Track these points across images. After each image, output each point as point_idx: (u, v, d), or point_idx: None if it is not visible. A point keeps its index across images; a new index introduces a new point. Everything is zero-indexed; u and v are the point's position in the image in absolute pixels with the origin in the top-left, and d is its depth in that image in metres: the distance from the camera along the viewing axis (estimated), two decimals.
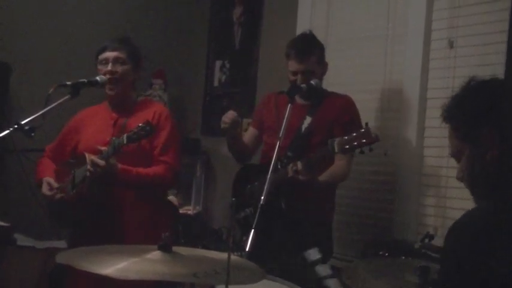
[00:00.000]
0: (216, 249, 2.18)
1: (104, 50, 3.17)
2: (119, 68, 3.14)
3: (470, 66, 3.30)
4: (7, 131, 2.71)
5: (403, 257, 2.97)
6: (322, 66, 3.36)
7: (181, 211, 4.81)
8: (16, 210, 3.98)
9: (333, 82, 3.63)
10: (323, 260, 3.31)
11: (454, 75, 3.39)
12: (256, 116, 3.69)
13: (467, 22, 3.37)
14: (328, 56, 3.43)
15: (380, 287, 2.06)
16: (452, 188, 3.32)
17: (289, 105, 2.94)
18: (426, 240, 3.14)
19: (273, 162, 2.72)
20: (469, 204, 1.85)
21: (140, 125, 2.87)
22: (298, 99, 3.32)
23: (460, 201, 3.21)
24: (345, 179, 3.36)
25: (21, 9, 4.48)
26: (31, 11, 4.53)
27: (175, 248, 1.97)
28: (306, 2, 4.30)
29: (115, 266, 1.80)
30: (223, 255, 1.87)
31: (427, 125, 3.51)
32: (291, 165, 2.99)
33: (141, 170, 3.06)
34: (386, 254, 3.16)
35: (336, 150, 2.83)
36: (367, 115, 3.59)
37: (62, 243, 3.61)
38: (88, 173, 2.94)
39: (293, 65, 3.30)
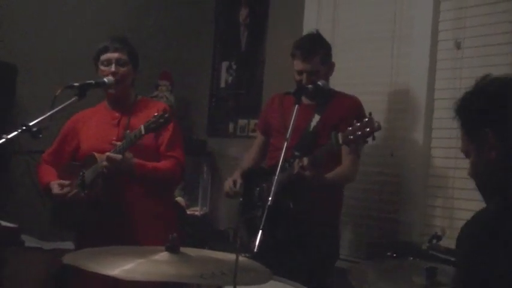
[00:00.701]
0: (222, 250, 2.18)
1: (105, 50, 3.18)
2: (121, 69, 3.17)
3: (478, 67, 3.29)
4: (15, 133, 2.71)
5: (411, 258, 2.98)
6: (328, 66, 3.35)
7: (188, 212, 4.83)
8: (23, 211, 3.99)
9: (339, 83, 3.62)
10: (329, 262, 3.34)
11: (461, 76, 3.39)
12: (262, 120, 3.70)
13: (474, 23, 3.37)
14: (335, 58, 3.43)
15: None
16: (459, 189, 3.31)
17: (296, 106, 2.93)
18: (434, 241, 3.13)
19: (280, 163, 2.71)
20: (477, 205, 1.85)
21: (157, 114, 2.89)
22: (304, 99, 3.32)
23: (467, 202, 3.21)
24: (352, 180, 3.35)
25: (27, 11, 4.49)
26: (37, 13, 4.54)
27: (182, 249, 1.98)
28: (312, 3, 4.29)
29: (122, 267, 1.81)
30: (230, 256, 1.90)
31: (434, 126, 3.50)
32: (297, 161, 2.98)
33: (154, 164, 3.11)
34: (394, 255, 3.16)
35: (340, 141, 2.83)
36: (374, 116, 3.57)
37: (68, 244, 3.62)
38: (105, 169, 2.94)
39: (298, 65, 3.30)
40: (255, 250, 2.40)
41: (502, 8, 3.25)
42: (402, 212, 3.61)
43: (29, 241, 3.55)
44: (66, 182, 3.14)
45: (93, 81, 3.08)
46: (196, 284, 2.06)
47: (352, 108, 3.31)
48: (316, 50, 3.30)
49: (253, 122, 4.68)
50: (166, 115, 2.87)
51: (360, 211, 3.84)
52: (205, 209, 4.97)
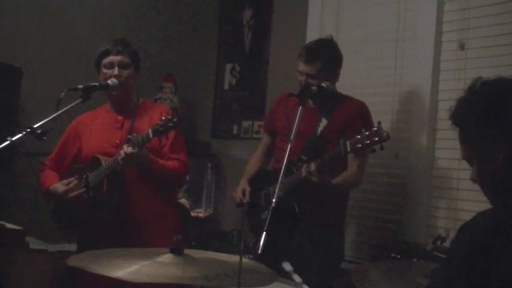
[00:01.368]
0: (227, 252, 2.21)
1: (107, 53, 3.18)
2: (124, 72, 3.17)
3: (482, 68, 3.30)
4: (20, 135, 2.72)
5: (415, 260, 2.98)
6: (329, 74, 3.28)
7: (192, 214, 4.83)
8: (28, 213, 4.00)
9: (344, 85, 3.62)
10: (335, 264, 3.34)
11: (465, 77, 3.38)
12: (268, 121, 3.70)
13: (478, 24, 3.38)
14: (340, 66, 3.42)
15: None
16: (463, 190, 3.32)
17: (300, 107, 2.93)
18: (438, 243, 3.14)
19: (284, 165, 2.71)
20: (481, 206, 1.84)
21: (165, 117, 2.88)
22: (310, 102, 3.32)
23: (471, 203, 3.20)
24: (358, 185, 3.35)
25: (31, 15, 4.51)
26: (41, 17, 4.56)
27: (186, 251, 1.99)
28: (316, 5, 4.30)
29: (126, 269, 1.83)
30: (234, 258, 1.92)
31: (438, 127, 3.51)
32: (304, 165, 2.98)
33: (164, 161, 3.14)
34: (398, 257, 3.16)
35: (349, 149, 2.83)
36: (378, 117, 3.55)
37: (73, 246, 3.62)
38: (122, 162, 2.94)
39: (300, 65, 3.31)
40: (259, 252, 2.41)
41: (505, 9, 3.25)
42: (406, 213, 3.61)
43: (34, 243, 3.54)
44: (72, 179, 3.14)
45: (97, 84, 3.08)
46: (201, 285, 2.06)
47: (358, 113, 3.31)
48: (319, 54, 3.28)
49: (257, 123, 4.68)
50: (175, 119, 2.88)
51: (364, 212, 3.85)
52: (209, 210, 4.98)
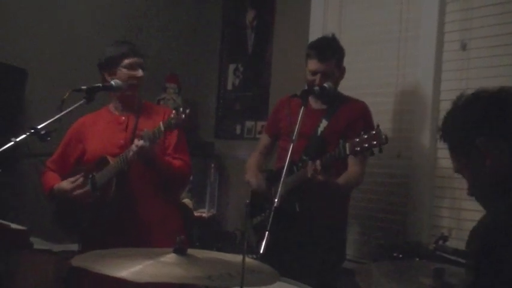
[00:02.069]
0: (230, 251, 2.20)
1: (129, 55, 3.18)
2: (141, 74, 3.19)
3: (483, 68, 3.33)
4: (24, 136, 2.72)
5: (418, 259, 2.99)
6: (341, 70, 3.35)
7: (195, 214, 4.84)
8: (32, 213, 4.01)
9: (346, 85, 3.63)
10: (337, 264, 3.35)
11: (467, 77, 3.41)
12: (270, 123, 3.70)
13: (479, 24, 3.39)
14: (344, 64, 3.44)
15: None
16: (466, 190, 3.30)
17: (302, 108, 2.94)
18: (440, 242, 3.14)
19: (286, 165, 2.72)
20: None
21: (176, 110, 2.89)
22: (314, 104, 3.34)
23: (474, 202, 3.08)
24: (358, 185, 3.37)
25: (36, 18, 4.53)
26: (46, 19, 4.57)
27: (190, 251, 1.99)
28: (319, 6, 4.31)
29: (130, 269, 1.82)
30: (238, 258, 1.90)
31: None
32: (310, 164, 2.99)
33: (170, 159, 3.17)
34: (401, 256, 3.16)
35: (348, 152, 2.85)
36: (381, 117, 3.60)
37: (77, 246, 3.63)
38: (133, 156, 2.96)
39: (314, 65, 3.29)
40: (261, 251, 2.42)
41: (507, 9, 3.27)
42: (409, 213, 3.62)
43: (38, 243, 3.55)
44: (78, 177, 3.14)
45: (100, 85, 3.09)
46: (204, 285, 2.07)
47: (359, 114, 3.32)
48: (333, 52, 3.31)
49: (260, 123, 4.69)
50: (187, 111, 2.88)
51: (367, 212, 3.86)
52: (213, 210, 4.99)
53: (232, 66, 5.17)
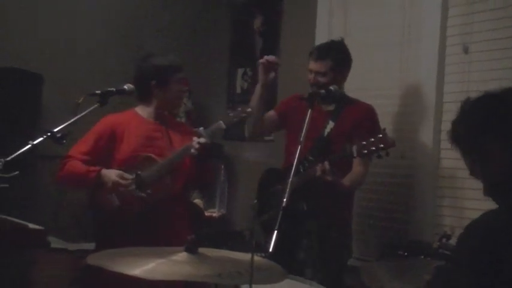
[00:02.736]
0: (240, 250, 2.22)
1: (180, 69, 3.30)
2: (186, 89, 3.39)
3: (485, 71, 3.36)
4: (40, 139, 2.80)
5: (422, 257, 3.03)
6: (339, 73, 3.40)
7: (206, 214, 4.88)
8: (48, 214, 4.10)
9: (351, 88, 3.69)
10: (343, 261, 3.41)
11: (469, 80, 3.43)
12: (281, 107, 3.74)
13: (481, 28, 3.40)
14: (349, 67, 3.49)
15: (399, 287, 2.13)
16: (469, 189, 3.34)
17: (309, 110, 3.00)
18: (444, 240, 3.17)
19: (294, 166, 2.79)
20: (486, 204, 1.93)
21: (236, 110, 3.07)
22: (321, 106, 3.39)
23: (477, 201, 3.20)
24: (362, 185, 3.44)
25: (51, 24, 4.60)
26: (61, 25, 4.64)
27: (200, 250, 2.02)
28: (324, 11, 4.36)
29: (143, 267, 1.87)
30: (247, 256, 1.91)
31: (443, 128, 3.53)
32: (319, 165, 3.05)
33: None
34: (405, 254, 3.20)
35: (355, 154, 2.91)
36: (385, 119, 3.65)
37: (92, 245, 3.68)
38: (196, 152, 3.04)
39: (311, 64, 3.38)
40: (270, 250, 2.48)
41: (509, 13, 3.28)
42: (413, 212, 3.65)
43: (55, 242, 3.59)
44: (128, 175, 3.14)
45: (114, 89, 3.14)
46: (215, 283, 2.11)
47: (365, 115, 3.38)
48: (329, 54, 3.36)
49: None
50: (248, 109, 3.04)
51: (371, 211, 3.89)
52: (222, 210, 5.03)
53: (240, 71, 5.21)
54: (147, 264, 1.89)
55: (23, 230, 2.87)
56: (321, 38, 4.16)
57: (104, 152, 3.26)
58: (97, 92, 3.09)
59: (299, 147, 2.80)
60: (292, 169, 2.76)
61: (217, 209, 5.04)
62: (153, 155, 3.14)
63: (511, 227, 1.74)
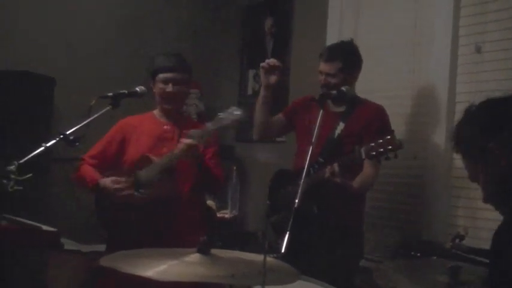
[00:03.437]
0: (253, 251, 2.22)
1: (163, 69, 3.34)
2: (170, 89, 3.33)
3: (498, 70, 3.35)
4: (53, 141, 2.81)
5: (435, 258, 3.02)
6: (349, 74, 3.39)
7: (218, 215, 4.90)
8: (62, 215, 4.12)
9: (363, 89, 3.69)
10: (354, 262, 3.41)
11: (482, 79, 3.43)
12: (290, 108, 3.75)
13: (494, 28, 3.40)
14: (360, 68, 3.49)
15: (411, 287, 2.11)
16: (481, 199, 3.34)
17: (321, 111, 3.01)
18: (457, 241, 3.17)
19: (306, 167, 2.79)
20: None
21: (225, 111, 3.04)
22: (331, 106, 3.39)
23: None
24: (372, 186, 3.43)
25: (62, 27, 4.63)
26: (72, 28, 4.67)
27: (213, 251, 2.03)
28: (335, 12, 4.37)
29: (156, 269, 1.87)
30: (259, 257, 1.92)
31: None
32: (328, 167, 3.05)
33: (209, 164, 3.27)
34: (418, 255, 3.20)
35: (363, 156, 2.91)
36: (397, 120, 3.65)
37: (104, 247, 3.70)
38: (182, 153, 3.04)
39: (321, 65, 3.39)
40: (283, 251, 2.48)
41: None
42: (426, 212, 3.65)
43: (68, 244, 3.59)
44: (121, 179, 3.20)
45: (126, 91, 3.17)
46: (228, 284, 2.10)
47: (376, 116, 3.37)
48: (338, 55, 3.37)
49: None
50: (240, 111, 3.01)
51: (385, 212, 3.89)
52: (235, 211, 5.04)
53: (252, 72, 5.23)
54: (159, 265, 1.90)
55: (37, 231, 2.87)
56: (332, 39, 4.15)
57: (113, 155, 3.36)
58: (109, 94, 3.12)
59: (310, 148, 2.80)
60: (303, 171, 2.77)
61: (229, 210, 5.05)
62: (150, 155, 3.17)
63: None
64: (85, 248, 3.81)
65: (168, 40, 5.01)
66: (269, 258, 2.01)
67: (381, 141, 2.85)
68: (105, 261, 1.98)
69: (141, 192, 3.16)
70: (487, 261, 1.94)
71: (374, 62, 3.97)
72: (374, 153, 2.87)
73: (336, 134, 3.34)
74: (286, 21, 4.93)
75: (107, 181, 3.22)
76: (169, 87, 3.29)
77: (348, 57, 3.39)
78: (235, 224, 5.00)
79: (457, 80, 3.58)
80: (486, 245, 1.87)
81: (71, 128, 2.89)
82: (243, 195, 5.10)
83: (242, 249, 3.88)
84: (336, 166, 3.02)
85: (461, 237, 3.17)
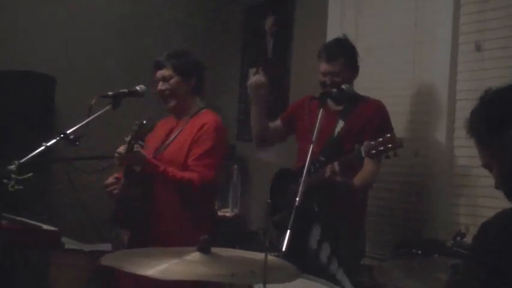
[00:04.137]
0: (255, 250, 2.22)
1: (154, 70, 3.34)
2: (160, 87, 3.32)
3: (498, 68, 3.34)
4: (54, 140, 2.83)
5: (436, 255, 3.02)
6: (352, 70, 3.41)
7: (219, 214, 4.90)
8: (63, 215, 4.12)
9: (364, 88, 3.69)
10: (356, 260, 3.41)
11: (482, 77, 3.42)
12: (288, 113, 3.76)
13: (494, 25, 3.40)
14: (359, 63, 3.50)
15: (413, 286, 2.10)
16: (483, 187, 3.33)
17: (321, 109, 3.01)
18: (458, 239, 3.17)
19: (306, 166, 2.79)
20: (500, 202, 1.92)
21: (138, 122, 2.99)
22: (331, 105, 3.39)
23: (491, 199, 3.22)
24: (373, 183, 3.43)
25: (62, 26, 4.63)
26: (72, 27, 4.68)
27: (213, 250, 2.03)
28: (336, 11, 4.37)
29: (157, 268, 1.88)
30: (260, 256, 1.93)
31: (456, 126, 3.53)
32: (329, 166, 3.06)
33: (169, 168, 3.12)
34: (419, 253, 3.20)
35: (363, 154, 2.91)
36: (398, 118, 3.66)
37: (106, 246, 3.71)
38: (116, 161, 3.06)
39: (323, 66, 3.38)
40: (284, 249, 2.49)
41: None
42: (427, 210, 3.65)
43: (69, 243, 3.60)
44: (110, 179, 3.22)
45: (126, 90, 3.18)
46: (229, 282, 2.09)
47: (376, 113, 3.37)
48: (340, 52, 3.38)
49: None
50: (144, 121, 2.96)
51: (386, 210, 3.90)
52: (236, 210, 5.04)
53: (252, 71, 5.19)
54: (160, 264, 1.90)
55: (37, 231, 2.89)
56: (333, 38, 4.12)
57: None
58: (109, 93, 3.12)
59: (311, 147, 2.80)
60: (304, 169, 2.77)
61: (230, 208, 5.05)
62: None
63: None
64: (87, 247, 3.82)
65: (168, 40, 5.01)
66: (270, 257, 2.02)
67: (381, 139, 2.85)
68: (106, 260, 1.99)
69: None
70: None
71: (375, 60, 3.98)
72: (374, 151, 2.87)
73: (336, 133, 3.35)
74: (286, 20, 4.93)
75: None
76: (159, 85, 3.28)
77: (349, 52, 3.42)
78: (236, 223, 4.99)
79: (457, 78, 3.58)
80: None
81: (72, 127, 2.89)
82: (244, 193, 5.10)
83: (244, 248, 3.90)
84: (336, 165, 3.02)
85: (463, 235, 3.17)
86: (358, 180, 3.24)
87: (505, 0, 3.34)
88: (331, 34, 4.24)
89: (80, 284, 3.71)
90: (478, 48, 3.45)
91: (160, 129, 3.39)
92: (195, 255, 1.99)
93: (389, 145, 2.83)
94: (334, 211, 3.23)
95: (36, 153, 2.77)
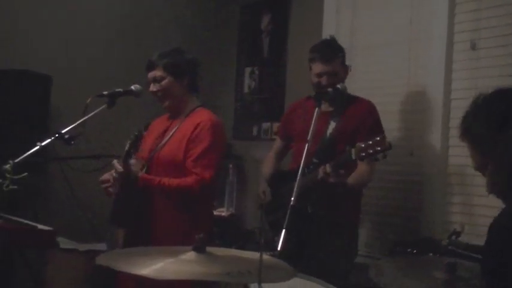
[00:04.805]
0: (250, 249, 2.22)
1: (147, 67, 3.31)
2: (151, 88, 3.29)
3: (493, 67, 3.37)
4: (49, 140, 2.80)
5: (431, 254, 3.04)
6: (345, 68, 3.43)
7: (215, 213, 4.90)
8: (58, 215, 4.11)
9: (359, 87, 3.70)
10: (349, 260, 3.42)
11: (477, 76, 3.44)
12: (282, 126, 3.78)
13: (489, 24, 3.42)
14: (354, 62, 3.53)
15: (408, 284, 2.09)
16: (478, 186, 3.34)
17: (317, 109, 3.00)
18: (453, 237, 3.18)
19: (301, 166, 2.79)
20: (495, 201, 1.93)
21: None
22: (323, 106, 3.39)
23: (486, 198, 3.18)
24: (368, 183, 3.43)
25: (60, 28, 4.61)
26: (69, 26, 4.66)
27: (209, 249, 2.02)
28: (331, 10, 4.38)
29: (152, 267, 1.86)
30: (256, 255, 1.90)
31: (451, 125, 3.55)
32: (321, 167, 3.06)
33: (165, 180, 3.08)
34: (414, 252, 3.21)
35: (353, 157, 2.92)
36: (394, 117, 3.67)
37: (102, 246, 3.70)
38: (116, 175, 3.05)
39: (318, 67, 3.37)
40: (279, 249, 2.49)
41: None
42: (422, 209, 3.66)
43: (65, 243, 3.60)
44: (106, 176, 3.19)
45: (121, 90, 3.15)
46: (224, 282, 2.10)
47: (367, 113, 3.38)
48: (336, 52, 3.39)
49: (275, 125, 4.73)
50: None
51: (381, 209, 3.91)
52: (231, 209, 5.04)
53: (248, 70, 5.23)
54: (155, 264, 1.89)
55: (32, 230, 2.88)
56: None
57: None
58: (104, 93, 3.10)
59: (306, 146, 2.80)
60: (298, 171, 2.77)
61: (226, 208, 5.05)
62: (114, 161, 3.09)
63: None
64: (82, 247, 3.81)
65: (168, 40, 5.00)
66: (265, 256, 2.00)
67: (371, 142, 2.86)
68: (101, 260, 1.97)
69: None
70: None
71: (370, 59, 3.99)
72: (364, 154, 2.88)
73: (328, 134, 3.36)
74: (282, 18, 4.94)
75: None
76: (151, 87, 3.27)
77: (342, 52, 3.43)
78: (232, 222, 4.99)
79: (452, 77, 3.59)
80: (482, 242, 1.85)
81: (68, 127, 2.87)
82: (240, 192, 5.10)
83: (239, 247, 3.91)
84: (328, 167, 3.03)
85: (458, 234, 3.19)
86: (353, 178, 3.24)
87: None
88: (327, 32, 4.24)
89: (76, 283, 3.70)
90: (473, 46, 3.47)
91: (155, 128, 3.37)
92: (190, 255, 1.99)
93: (379, 148, 2.84)
94: (327, 212, 3.22)
95: (31, 152, 2.74)
